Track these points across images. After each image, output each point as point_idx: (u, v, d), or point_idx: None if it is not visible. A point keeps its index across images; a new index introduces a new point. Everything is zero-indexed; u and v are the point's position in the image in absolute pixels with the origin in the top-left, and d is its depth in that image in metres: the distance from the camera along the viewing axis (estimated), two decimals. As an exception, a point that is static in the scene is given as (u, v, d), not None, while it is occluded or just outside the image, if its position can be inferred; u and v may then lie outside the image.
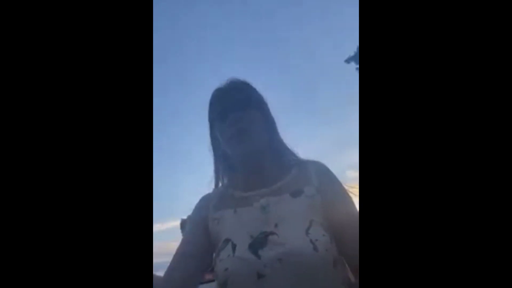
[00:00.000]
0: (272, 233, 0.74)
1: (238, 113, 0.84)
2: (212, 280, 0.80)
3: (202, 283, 0.90)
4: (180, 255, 0.84)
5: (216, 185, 0.95)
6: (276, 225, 0.75)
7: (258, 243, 0.73)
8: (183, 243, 0.87)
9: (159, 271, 0.88)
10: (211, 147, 0.95)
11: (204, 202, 0.92)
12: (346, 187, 0.84)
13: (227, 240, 0.77)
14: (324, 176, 0.85)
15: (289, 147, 0.92)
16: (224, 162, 0.94)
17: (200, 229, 0.86)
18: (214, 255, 0.81)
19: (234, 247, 0.75)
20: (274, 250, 0.71)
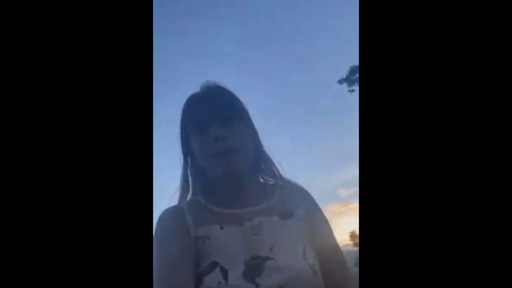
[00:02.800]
0: (268, 258, 0.68)
1: (224, 127, 0.74)
2: None
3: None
4: (171, 282, 0.67)
5: (182, 198, 0.82)
6: (271, 249, 0.69)
7: (254, 270, 0.66)
8: (173, 260, 0.69)
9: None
10: (181, 155, 0.83)
11: (179, 214, 0.76)
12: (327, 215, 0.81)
13: (214, 264, 0.67)
14: (310, 204, 0.81)
15: (272, 159, 0.84)
16: (197, 174, 0.82)
17: (184, 248, 0.70)
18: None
19: (225, 273, 0.66)
20: (273, 277, 0.65)
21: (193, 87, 0.81)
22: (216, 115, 0.74)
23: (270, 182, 0.84)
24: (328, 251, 0.74)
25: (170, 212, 0.78)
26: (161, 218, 0.77)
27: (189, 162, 0.82)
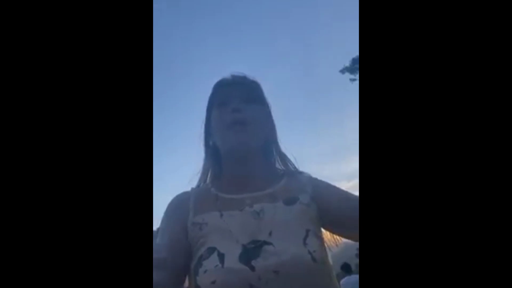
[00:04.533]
0: (266, 243, 0.67)
1: (242, 103, 0.80)
2: None
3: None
4: (163, 263, 0.69)
5: (200, 183, 0.86)
6: (270, 233, 0.69)
7: (250, 253, 0.66)
8: (166, 249, 0.72)
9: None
10: (203, 141, 0.87)
11: (182, 202, 0.80)
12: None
13: (211, 249, 0.68)
14: (317, 183, 0.82)
15: (286, 153, 0.87)
16: (212, 157, 0.86)
17: (181, 233, 0.74)
18: (192, 264, 0.71)
19: (222, 256, 0.66)
20: (269, 261, 0.64)
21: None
22: (238, 93, 0.81)
23: (279, 170, 0.86)
24: (338, 201, 0.76)
25: (175, 200, 0.82)
26: (168, 205, 0.82)
27: (209, 144, 0.87)
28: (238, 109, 0.78)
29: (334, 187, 0.82)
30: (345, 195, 0.78)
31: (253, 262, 0.64)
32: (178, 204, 0.80)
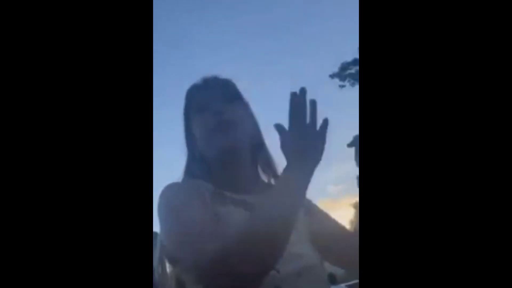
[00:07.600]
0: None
1: (222, 104, 0.76)
2: None
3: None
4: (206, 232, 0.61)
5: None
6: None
7: None
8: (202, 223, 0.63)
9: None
10: (185, 148, 0.83)
11: (198, 188, 0.72)
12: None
13: None
14: (308, 204, 0.83)
15: (271, 155, 0.84)
16: (199, 164, 0.80)
17: (209, 216, 0.65)
18: None
19: None
20: (291, 264, 0.65)
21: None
22: (216, 94, 0.78)
23: (266, 176, 0.84)
24: (334, 239, 0.80)
25: (187, 186, 0.75)
26: (175, 191, 0.73)
27: (192, 151, 0.81)
28: (220, 111, 0.74)
29: (328, 224, 0.84)
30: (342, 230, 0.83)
31: (277, 265, 0.62)
32: (193, 191, 0.70)
